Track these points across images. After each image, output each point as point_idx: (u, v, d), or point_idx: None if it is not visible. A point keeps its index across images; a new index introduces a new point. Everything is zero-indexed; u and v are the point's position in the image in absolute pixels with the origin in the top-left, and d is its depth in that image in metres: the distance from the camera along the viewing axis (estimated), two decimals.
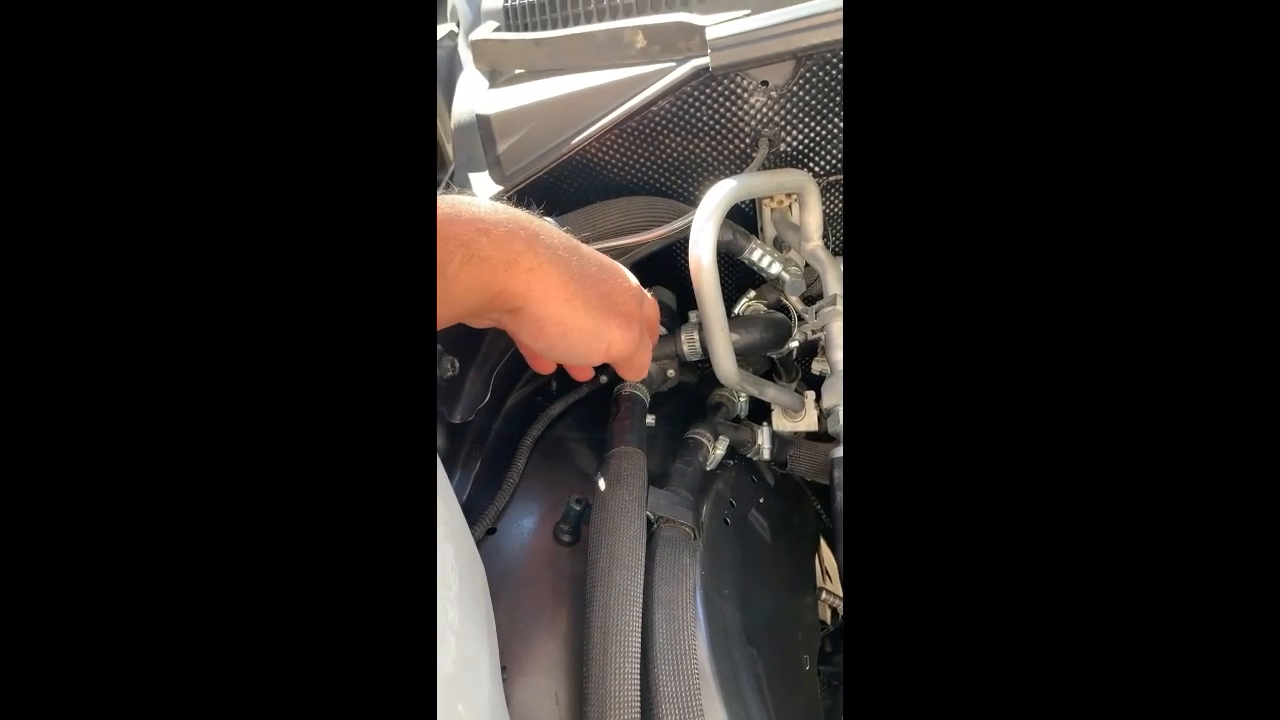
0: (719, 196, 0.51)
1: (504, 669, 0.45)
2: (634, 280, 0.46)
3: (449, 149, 0.68)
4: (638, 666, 0.44)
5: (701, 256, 0.50)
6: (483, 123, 0.61)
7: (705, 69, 0.53)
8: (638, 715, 0.42)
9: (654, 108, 0.56)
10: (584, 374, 0.59)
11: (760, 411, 0.71)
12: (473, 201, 0.37)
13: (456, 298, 0.34)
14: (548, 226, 0.40)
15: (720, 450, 0.63)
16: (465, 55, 0.81)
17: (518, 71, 0.66)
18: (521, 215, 0.38)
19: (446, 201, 0.35)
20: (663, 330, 0.67)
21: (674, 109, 0.57)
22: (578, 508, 0.53)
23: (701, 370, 0.76)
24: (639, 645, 0.45)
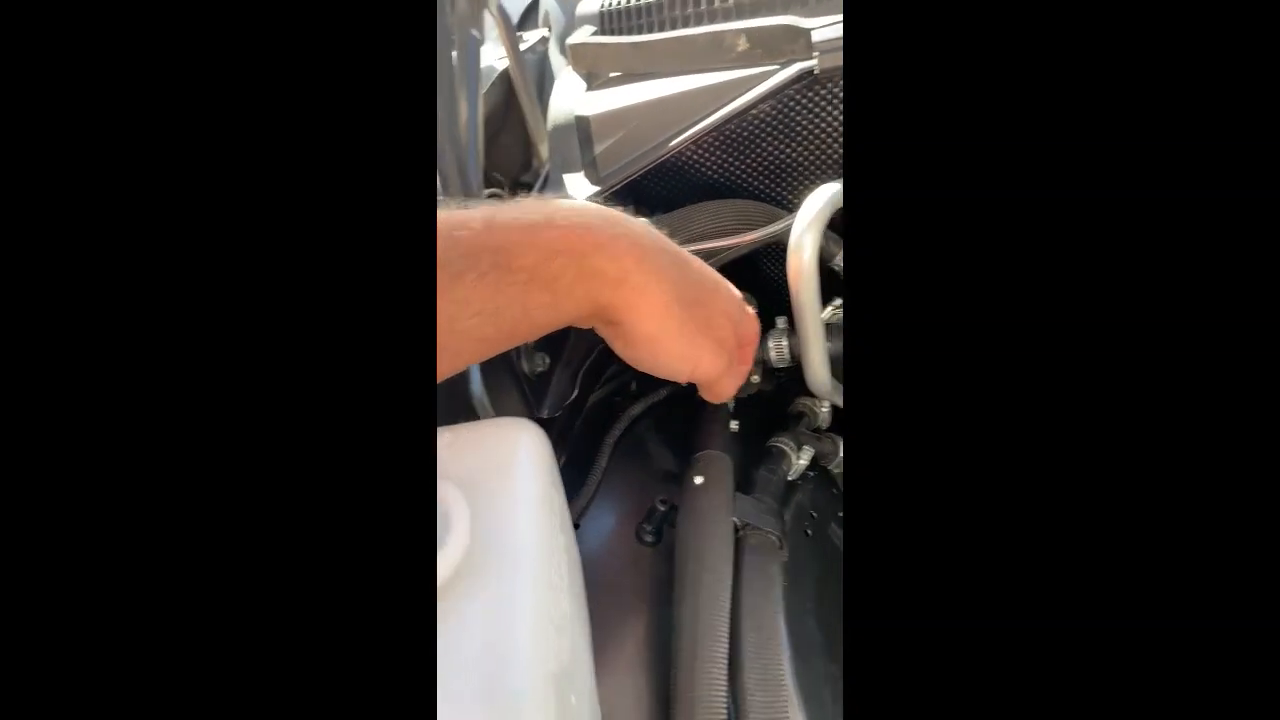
0: (822, 202, 0.50)
1: None
2: (736, 300, 0.45)
3: (543, 149, 0.69)
4: (725, 674, 0.43)
5: (802, 262, 0.50)
6: (581, 124, 0.61)
7: (810, 72, 0.53)
8: None
9: (754, 111, 0.56)
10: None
11: (841, 423, 0.69)
12: (587, 210, 0.37)
13: (566, 310, 0.35)
14: (658, 240, 0.39)
15: (804, 460, 0.62)
16: (556, 61, 0.83)
17: (613, 74, 0.67)
18: (636, 228, 0.38)
19: (569, 210, 0.35)
20: None
21: (774, 112, 0.56)
22: (662, 509, 0.53)
23: (780, 378, 0.75)
24: (726, 653, 0.44)
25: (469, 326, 0.30)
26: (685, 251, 0.42)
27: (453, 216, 0.31)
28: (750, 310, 0.48)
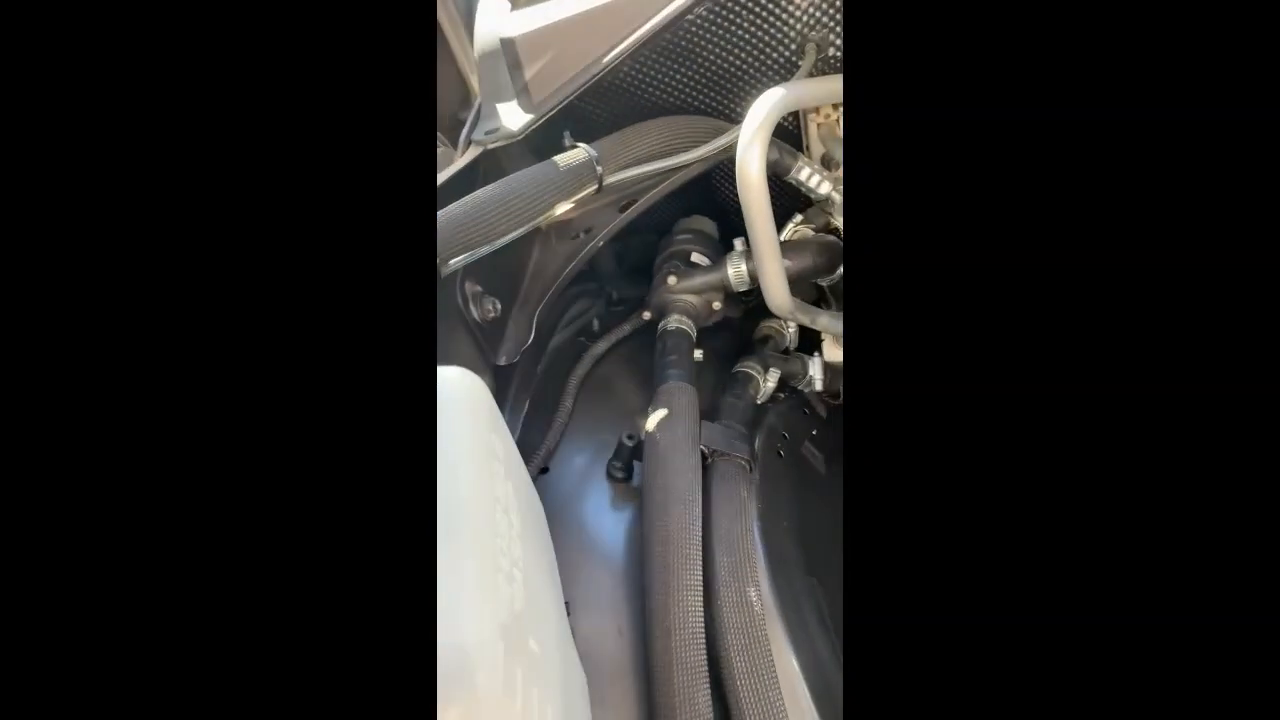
0: (766, 107, 0.47)
1: (566, 605, 0.46)
2: None
3: (474, 81, 0.65)
4: (700, 600, 0.43)
5: (751, 172, 0.47)
6: (507, 47, 0.57)
7: None
8: (703, 648, 0.42)
9: (689, 17, 0.52)
10: None
11: (810, 343, 0.68)
12: None
13: None
14: None
15: (771, 383, 0.61)
16: None
17: None
18: None
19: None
20: (705, 261, 0.65)
21: (710, 17, 0.52)
22: (630, 444, 0.52)
23: (746, 303, 0.73)
24: (700, 579, 0.44)
25: None
26: None
27: None
28: None
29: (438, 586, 0.25)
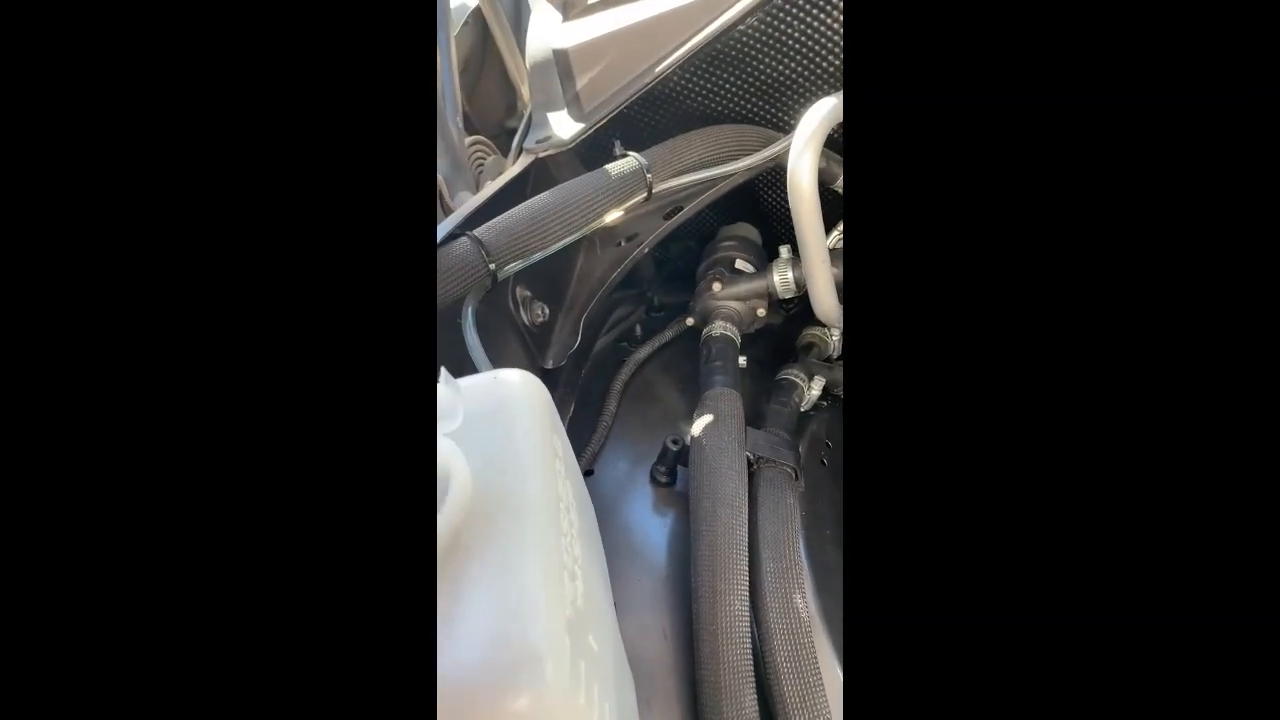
0: (818, 117, 0.48)
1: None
2: None
3: (524, 90, 0.66)
4: (747, 604, 0.44)
5: (802, 185, 0.48)
6: (560, 58, 0.58)
7: None
8: (750, 651, 0.42)
9: (740, 26, 0.53)
10: None
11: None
12: None
13: None
14: None
15: (815, 391, 0.61)
16: None
17: (590, 2, 0.63)
18: None
19: None
20: (750, 268, 0.65)
21: (762, 26, 0.53)
22: (675, 448, 0.53)
23: (788, 310, 0.73)
24: (747, 583, 0.44)
25: None
26: None
27: None
28: None
29: (510, 580, 0.26)
